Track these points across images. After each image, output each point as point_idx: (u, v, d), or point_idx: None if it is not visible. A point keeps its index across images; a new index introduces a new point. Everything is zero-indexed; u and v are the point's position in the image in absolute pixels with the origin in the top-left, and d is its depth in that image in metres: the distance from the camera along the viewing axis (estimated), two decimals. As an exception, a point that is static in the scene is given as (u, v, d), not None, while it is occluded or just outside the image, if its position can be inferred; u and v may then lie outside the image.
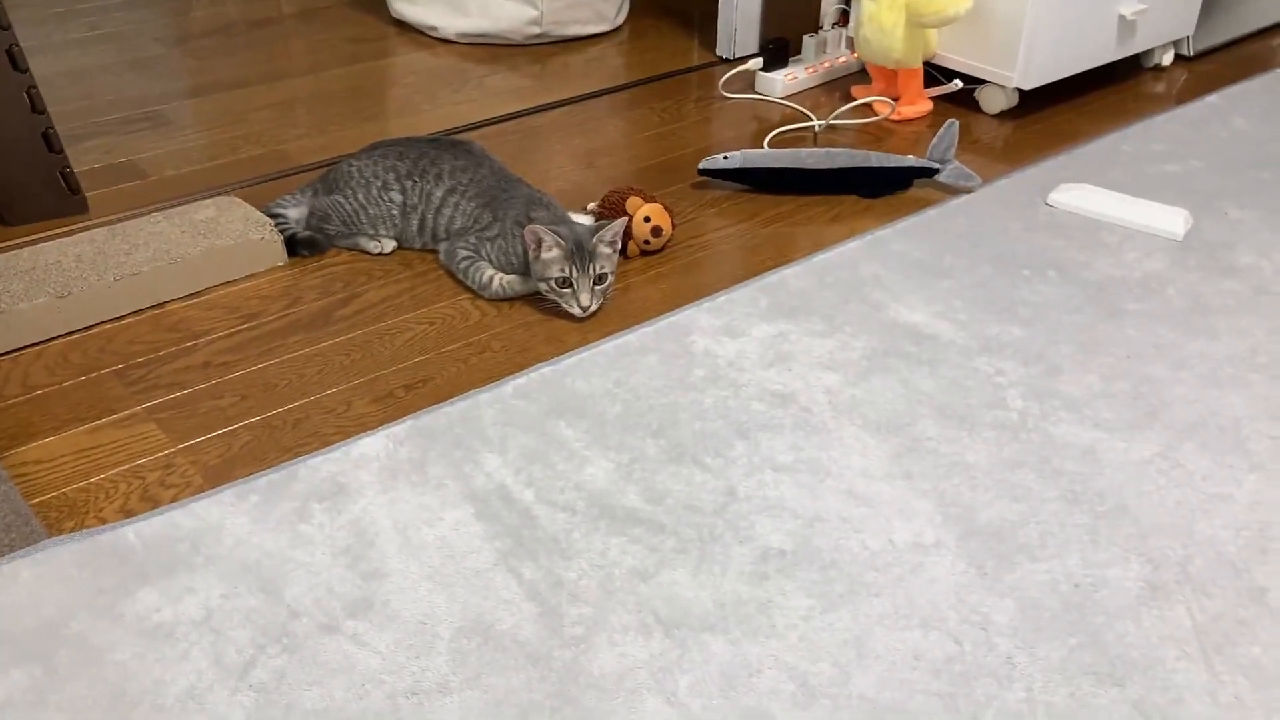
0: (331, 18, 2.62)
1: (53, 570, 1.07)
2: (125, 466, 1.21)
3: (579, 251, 1.44)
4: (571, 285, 1.45)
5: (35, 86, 1.61)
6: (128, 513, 1.15)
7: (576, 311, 1.47)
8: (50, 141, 1.65)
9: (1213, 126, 2.08)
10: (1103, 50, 2.15)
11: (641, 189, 1.67)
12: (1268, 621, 1.03)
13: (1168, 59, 2.37)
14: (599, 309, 1.49)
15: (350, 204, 1.60)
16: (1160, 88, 2.29)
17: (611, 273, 1.49)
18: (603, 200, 1.68)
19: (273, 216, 1.62)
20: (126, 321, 1.47)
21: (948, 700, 0.96)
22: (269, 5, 2.70)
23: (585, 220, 1.65)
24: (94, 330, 1.45)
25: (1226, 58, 2.44)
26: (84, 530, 1.12)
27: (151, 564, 1.08)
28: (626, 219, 1.54)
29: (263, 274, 1.58)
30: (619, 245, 1.51)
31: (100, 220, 1.68)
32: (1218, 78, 2.33)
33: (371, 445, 1.24)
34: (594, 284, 1.46)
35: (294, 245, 1.61)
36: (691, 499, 1.17)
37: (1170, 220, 1.69)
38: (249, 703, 0.94)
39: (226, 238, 1.55)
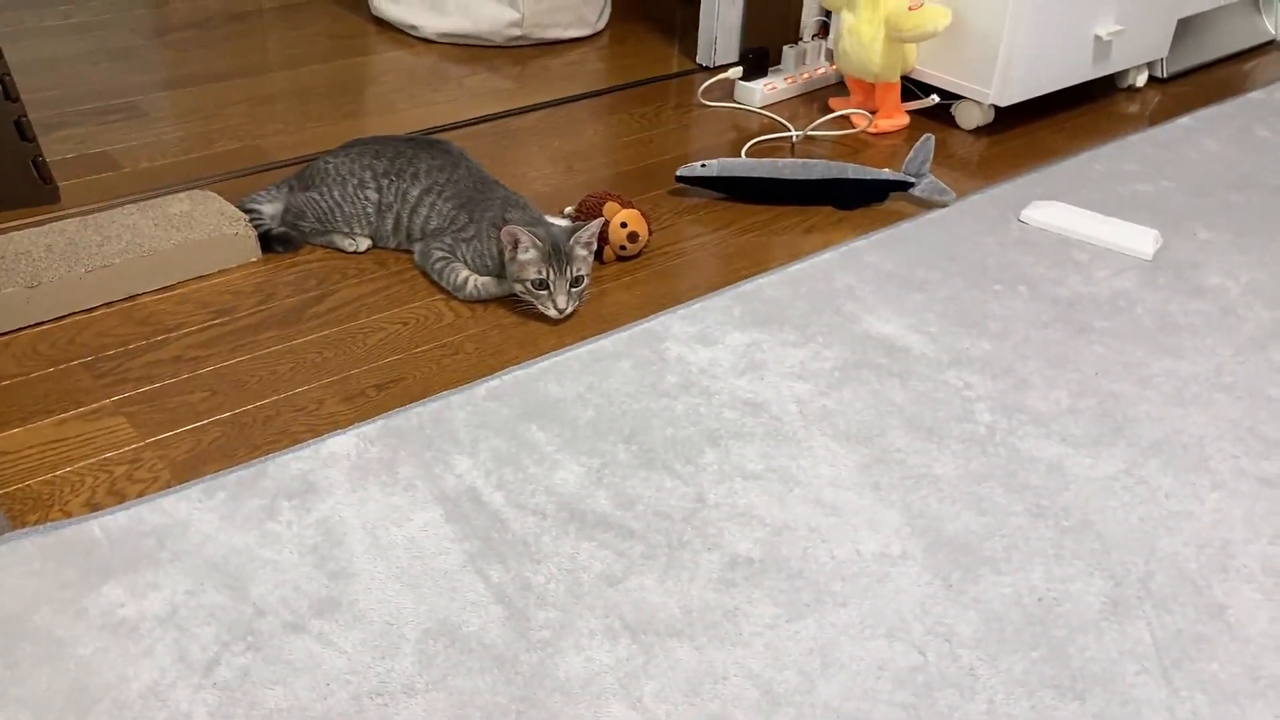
0: (311, 13, 2.61)
1: (16, 563, 1.06)
2: (92, 460, 1.20)
3: (556, 253, 1.44)
4: (548, 287, 1.45)
5: (9, 74, 1.59)
6: (93, 506, 1.14)
7: (552, 313, 1.47)
8: (23, 130, 1.63)
9: (1184, 148, 2.11)
10: (1078, 70, 2.17)
11: (619, 194, 1.68)
12: (1226, 639, 1.05)
13: (1142, 80, 2.40)
14: (574, 311, 1.50)
15: (326, 201, 1.60)
16: (1134, 108, 2.32)
17: (587, 275, 1.49)
18: (580, 204, 1.69)
19: (247, 212, 1.61)
20: (97, 313, 1.46)
21: (910, 711, 0.96)
22: (248, -1, 2.69)
23: (562, 224, 1.65)
24: (63, 321, 1.44)
25: (1199, 80, 2.47)
26: (49, 523, 1.11)
27: (116, 559, 1.07)
28: (602, 220, 1.55)
29: (236, 269, 1.57)
30: (594, 247, 1.51)
31: (72, 210, 1.66)
32: (1190, 100, 2.36)
33: (342, 444, 1.24)
34: (570, 286, 1.46)
35: (268, 241, 1.60)
36: (661, 505, 1.18)
37: (1140, 240, 1.72)
38: (212, 700, 0.94)
39: (200, 232, 1.54)
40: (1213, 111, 2.28)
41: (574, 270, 1.46)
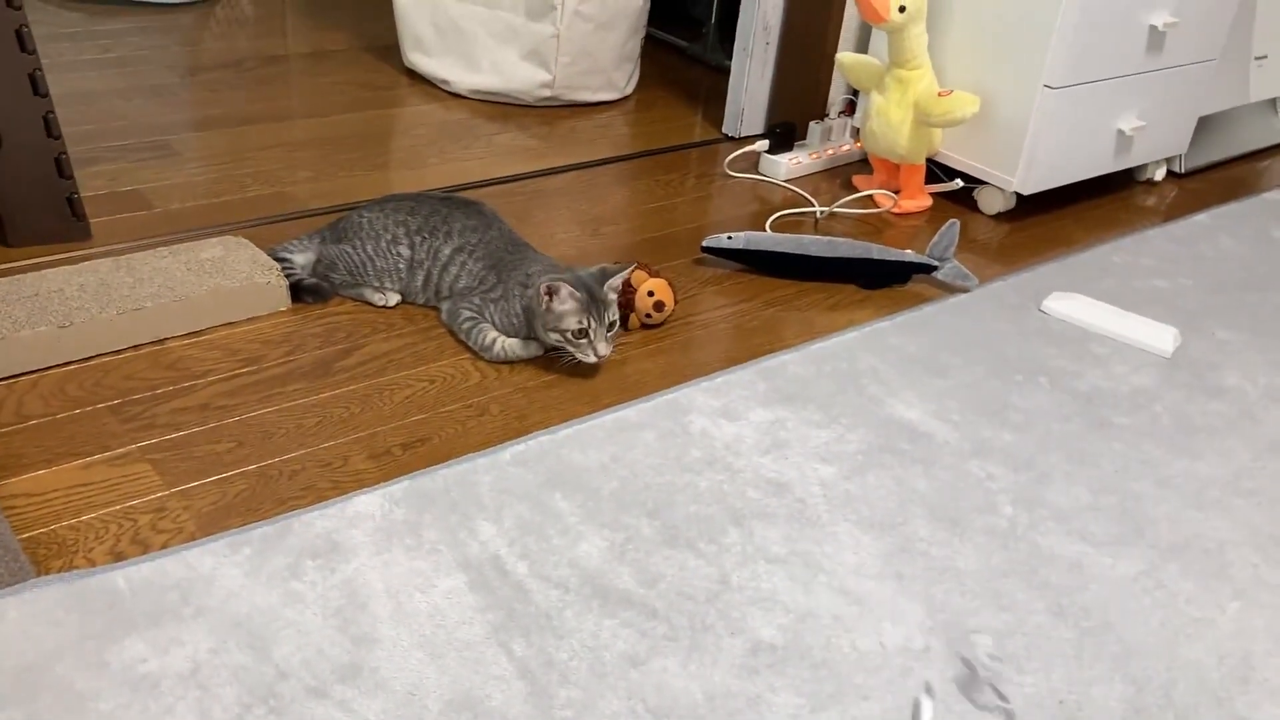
0: (343, 60, 2.64)
1: (39, 611, 1.05)
2: (117, 507, 1.20)
3: (593, 300, 1.46)
4: (588, 335, 1.47)
5: (53, 111, 1.61)
6: (117, 555, 1.13)
7: (592, 359, 1.48)
8: (61, 166, 1.64)
9: (1201, 245, 2.13)
10: (1100, 162, 2.20)
11: (647, 263, 1.69)
12: (1247, 753, 1.05)
13: (1160, 174, 2.43)
14: (608, 356, 1.51)
15: (358, 255, 1.61)
16: (1151, 201, 2.35)
17: (617, 319, 1.52)
18: (608, 271, 1.70)
19: (279, 260, 1.62)
20: (125, 356, 1.46)
21: (933, 812, 0.96)
22: (280, 43, 2.72)
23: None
24: (92, 362, 1.44)
25: (1215, 177, 2.51)
26: (73, 571, 1.10)
27: (140, 612, 1.06)
28: (632, 265, 1.56)
29: (265, 317, 1.58)
30: (619, 290, 1.54)
31: (103, 249, 1.67)
32: (1206, 196, 2.39)
33: (367, 504, 1.24)
34: (607, 331, 1.48)
35: (298, 291, 1.61)
36: (684, 585, 1.18)
37: (1160, 337, 1.73)
38: (232, 765, 0.93)
39: (232, 279, 1.55)
40: (1229, 209, 2.31)
41: (609, 316, 1.48)
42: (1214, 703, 1.10)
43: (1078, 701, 1.09)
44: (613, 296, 1.51)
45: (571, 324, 1.46)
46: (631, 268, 1.54)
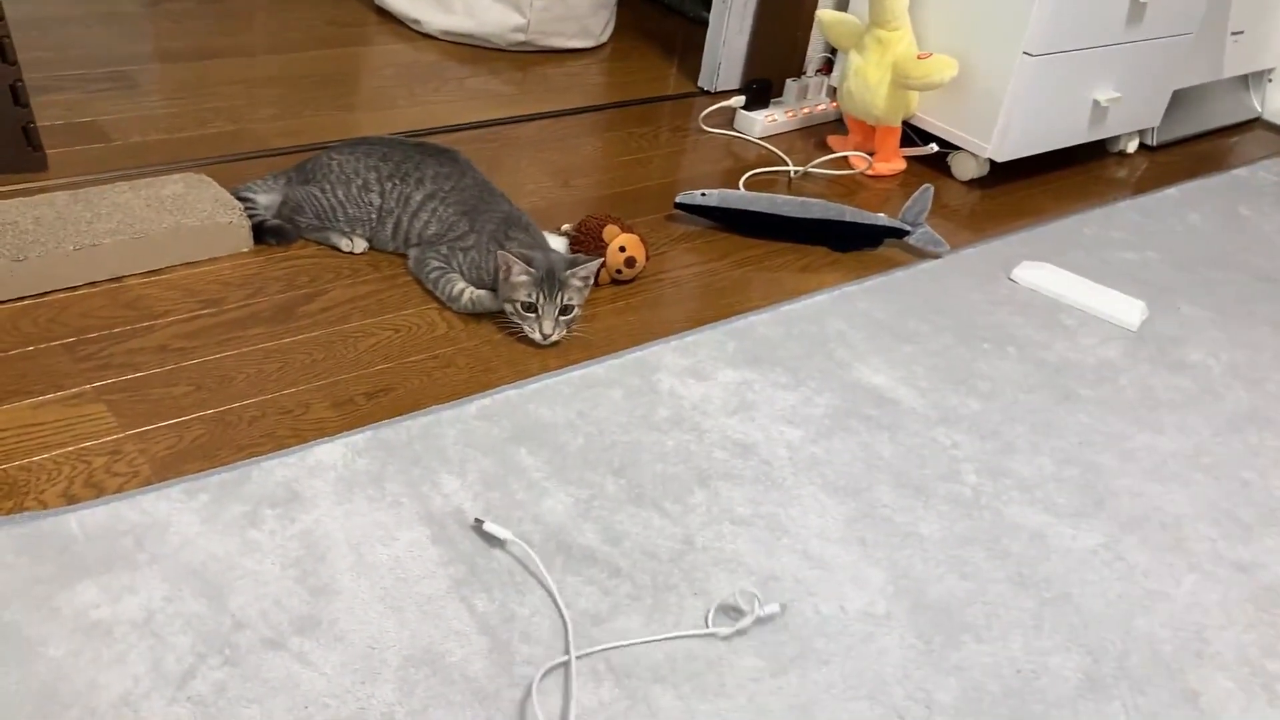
0: (312, -4, 2.57)
1: (-12, 553, 1.03)
2: (70, 448, 1.17)
3: (549, 280, 1.42)
4: (536, 311, 1.44)
5: (8, 36, 1.55)
6: (70, 498, 1.11)
7: (536, 337, 1.45)
8: (17, 94, 1.59)
9: (1169, 220, 2.14)
10: (1074, 132, 2.20)
11: (619, 218, 1.67)
12: (1198, 726, 1.06)
13: (1132, 146, 2.44)
14: (560, 339, 1.47)
15: (327, 199, 1.57)
16: (1123, 173, 2.35)
17: (578, 306, 1.47)
18: (579, 225, 1.67)
19: (242, 200, 1.58)
20: (81, 292, 1.42)
21: (889, 777, 0.96)
22: (248, -26, 2.64)
23: (559, 241, 1.64)
24: (46, 298, 1.40)
25: (1186, 151, 2.52)
26: (23, 513, 1.07)
27: (93, 556, 1.04)
28: (601, 260, 1.53)
29: (226, 258, 1.54)
30: (591, 282, 1.50)
31: (59, 181, 1.62)
32: (1176, 170, 2.40)
33: (329, 453, 1.22)
34: (559, 314, 1.44)
35: (261, 232, 1.57)
36: (649, 544, 1.17)
37: (1127, 310, 1.74)
38: (185, 715, 0.92)
39: (193, 217, 1.51)
40: (1198, 185, 2.32)
41: (565, 299, 1.44)
42: (1167, 675, 1.11)
43: (1034, 670, 1.10)
44: (576, 283, 1.45)
45: (521, 296, 1.43)
46: (599, 262, 1.50)
